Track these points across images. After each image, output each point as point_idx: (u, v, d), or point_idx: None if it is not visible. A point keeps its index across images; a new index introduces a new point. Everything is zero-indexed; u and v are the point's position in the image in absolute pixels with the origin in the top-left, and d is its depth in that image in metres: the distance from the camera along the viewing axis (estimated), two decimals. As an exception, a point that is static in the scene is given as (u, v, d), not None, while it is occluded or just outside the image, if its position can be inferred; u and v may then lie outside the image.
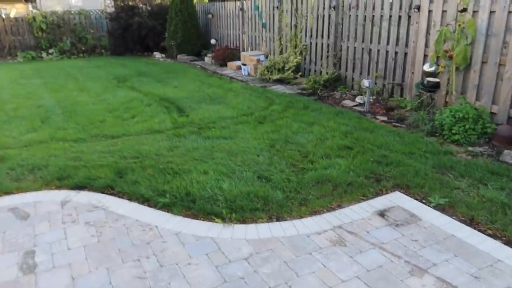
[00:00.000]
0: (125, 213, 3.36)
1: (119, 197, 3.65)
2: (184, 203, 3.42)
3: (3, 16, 15.17)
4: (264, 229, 3.07)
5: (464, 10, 5.09)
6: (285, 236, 2.97)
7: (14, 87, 8.98)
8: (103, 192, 3.74)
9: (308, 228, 3.07)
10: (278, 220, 3.21)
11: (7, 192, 3.73)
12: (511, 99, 5.01)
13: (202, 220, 3.22)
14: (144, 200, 3.54)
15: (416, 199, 3.46)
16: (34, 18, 14.44)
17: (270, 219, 3.21)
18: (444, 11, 5.69)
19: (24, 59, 13.99)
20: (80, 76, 10.41)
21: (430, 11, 5.91)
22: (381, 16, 6.89)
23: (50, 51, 14.51)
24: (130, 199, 3.59)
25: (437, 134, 4.97)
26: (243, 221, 3.19)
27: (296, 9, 9.09)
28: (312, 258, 2.70)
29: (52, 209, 3.44)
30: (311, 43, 8.81)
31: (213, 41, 12.73)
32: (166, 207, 3.41)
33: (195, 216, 3.28)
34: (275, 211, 3.30)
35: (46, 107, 6.94)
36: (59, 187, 3.85)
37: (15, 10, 20.96)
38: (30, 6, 21.20)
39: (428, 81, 5.47)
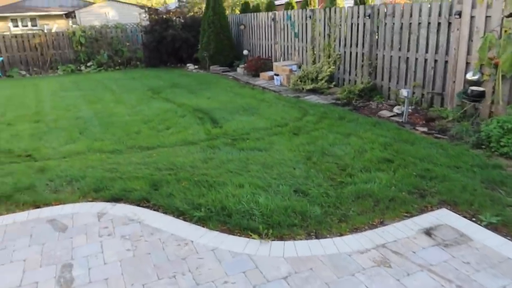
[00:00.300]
0: (160, 226, 3.32)
1: (154, 210, 3.63)
2: (220, 218, 3.35)
3: (45, 31, 15.88)
4: (302, 247, 2.94)
5: (511, 15, 4.82)
6: (325, 254, 2.84)
7: (54, 99, 9.30)
8: (138, 205, 3.73)
9: (349, 246, 2.92)
10: (317, 237, 3.07)
11: (47, 204, 3.79)
12: None
13: (239, 235, 3.14)
14: (179, 214, 3.49)
15: (465, 217, 3.24)
16: (74, 33, 15.01)
17: (308, 236, 3.09)
18: (488, 17, 5.43)
19: (64, 72, 14.54)
20: (116, 88, 10.66)
21: (472, 17, 5.65)
22: (419, 23, 6.66)
23: (89, 64, 15.01)
24: (165, 212, 3.56)
25: (483, 147, 4.69)
26: (281, 237, 3.08)
27: (330, 18, 8.97)
28: (355, 279, 2.55)
29: (89, 221, 3.45)
30: (345, 52, 8.64)
31: (245, 51, 12.78)
32: (202, 221, 3.35)
33: (231, 231, 3.20)
34: (313, 228, 3.17)
35: (84, 119, 7.11)
36: (95, 199, 3.87)
37: (56, 26, 21.94)
38: (70, 21, 22.13)
39: (472, 90, 5.21)
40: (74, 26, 17.86)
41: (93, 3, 23.98)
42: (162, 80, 11.81)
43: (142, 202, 3.76)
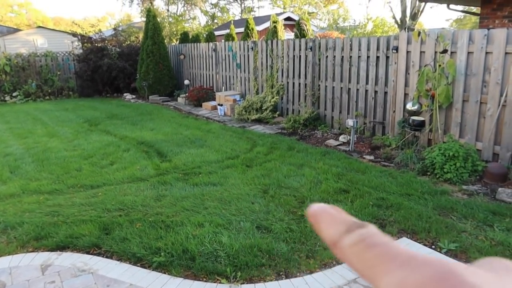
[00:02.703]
0: (116, 276, 3.02)
1: (107, 257, 3.32)
2: (182, 262, 3.14)
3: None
4: (274, 288, 2.82)
5: (445, 51, 5.24)
6: (299, 295, 2.74)
7: (-24, 133, 8.42)
8: (88, 252, 3.39)
9: (321, 285, 2.85)
10: (287, 276, 2.97)
11: (-23, 258, 3.32)
12: (495, 136, 5.12)
13: (205, 280, 2.94)
14: (137, 260, 3.22)
15: (426, 245, 3.34)
16: (-3, 61, 13.90)
17: (278, 276, 2.98)
18: (422, 52, 5.85)
19: (-14, 103, 13.33)
20: (48, 120, 9.94)
21: (408, 52, 6.07)
22: (359, 56, 7.02)
23: (14, 94, 13.92)
24: (120, 260, 3.27)
25: (428, 173, 4.95)
26: (250, 279, 2.94)
27: (272, 50, 9.19)
28: (334, 321, 2.47)
29: (31, 276, 3.06)
30: (288, 82, 8.85)
31: (186, 82, 12.67)
32: (163, 267, 3.11)
33: (196, 277, 2.99)
34: (282, 266, 3.07)
35: (14, 156, 6.47)
36: (37, 249, 3.46)
37: (-24, 53, 20.18)
38: (-9, 48, 20.54)
39: (414, 120, 5.53)
40: (-3, 53, 16.56)
41: (19, 29, 22.57)
42: (99, 111, 11.24)
43: (92, 249, 3.43)
